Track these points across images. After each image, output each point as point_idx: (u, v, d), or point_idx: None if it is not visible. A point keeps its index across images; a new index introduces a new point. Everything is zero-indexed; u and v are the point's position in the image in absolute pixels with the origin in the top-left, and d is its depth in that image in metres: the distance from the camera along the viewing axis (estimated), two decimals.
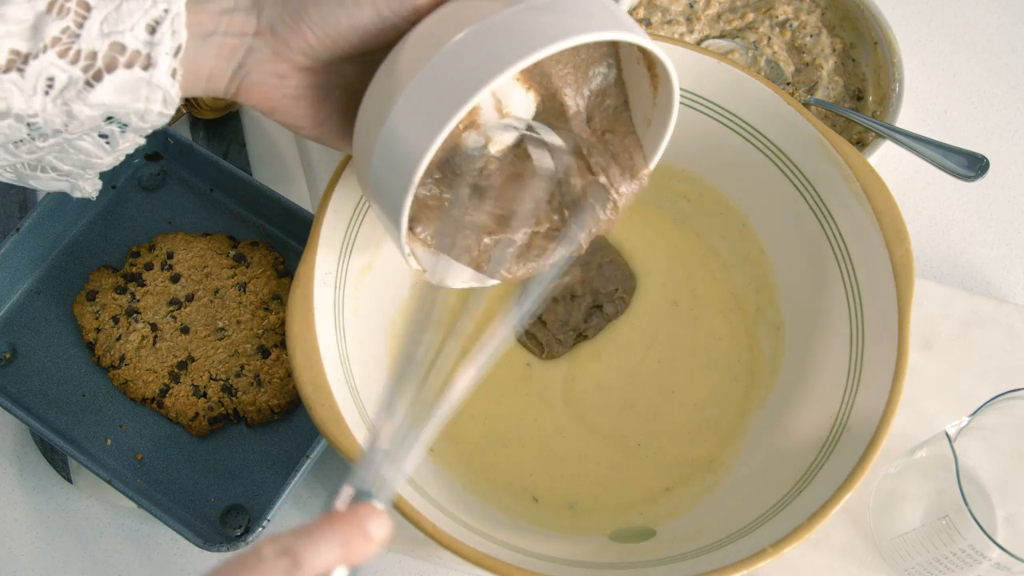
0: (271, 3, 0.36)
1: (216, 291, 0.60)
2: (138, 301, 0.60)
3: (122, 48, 0.33)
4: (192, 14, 0.35)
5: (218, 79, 0.37)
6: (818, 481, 0.44)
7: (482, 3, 0.36)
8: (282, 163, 0.69)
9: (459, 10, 0.36)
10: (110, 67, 0.33)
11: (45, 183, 0.38)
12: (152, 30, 0.34)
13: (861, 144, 0.65)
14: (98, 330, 0.60)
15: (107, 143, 0.36)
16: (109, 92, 0.34)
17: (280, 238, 0.63)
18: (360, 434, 0.44)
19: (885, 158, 0.67)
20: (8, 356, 0.60)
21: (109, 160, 0.38)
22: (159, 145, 0.65)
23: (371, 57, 0.38)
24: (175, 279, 0.61)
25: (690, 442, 0.55)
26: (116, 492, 0.56)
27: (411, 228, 0.42)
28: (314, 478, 0.59)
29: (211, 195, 0.65)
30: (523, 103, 0.42)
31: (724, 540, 0.45)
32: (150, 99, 0.35)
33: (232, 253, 0.62)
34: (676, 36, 0.69)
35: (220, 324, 0.60)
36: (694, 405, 0.56)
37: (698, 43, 0.70)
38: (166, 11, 0.34)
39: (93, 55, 0.33)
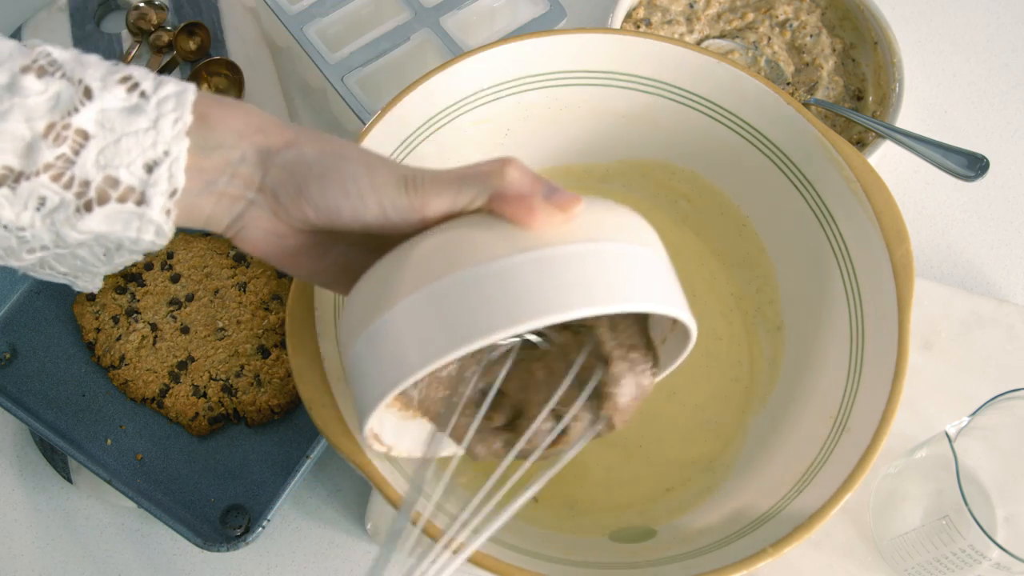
0: (277, 168, 0.35)
1: (216, 291, 0.60)
2: (138, 301, 0.60)
3: (116, 182, 0.32)
4: (196, 159, 0.34)
5: (216, 223, 0.36)
6: (818, 481, 0.44)
7: (498, 239, 0.33)
8: None
9: (476, 235, 0.33)
10: (102, 199, 0.32)
11: (45, 277, 0.37)
12: (149, 169, 0.32)
13: (861, 144, 0.65)
14: (98, 330, 0.60)
15: (104, 255, 0.35)
16: (99, 221, 0.32)
17: None
18: (360, 434, 0.44)
19: (885, 158, 0.67)
20: (8, 356, 0.60)
21: (106, 270, 0.36)
22: None
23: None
24: (175, 279, 0.61)
25: (690, 443, 0.55)
26: (116, 492, 0.56)
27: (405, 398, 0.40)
28: (314, 478, 0.59)
29: None
30: None
31: (724, 540, 0.45)
32: (142, 230, 0.33)
33: (232, 253, 0.62)
34: (676, 36, 0.69)
35: (220, 324, 0.60)
36: (694, 405, 0.56)
37: (698, 43, 0.70)
38: (166, 153, 0.32)
39: (86, 184, 0.32)
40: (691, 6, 0.71)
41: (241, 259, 0.62)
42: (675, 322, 0.38)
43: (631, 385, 0.39)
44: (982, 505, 0.55)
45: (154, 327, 0.60)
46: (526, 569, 0.41)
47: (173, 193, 0.33)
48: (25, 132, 0.31)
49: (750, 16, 0.70)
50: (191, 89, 0.33)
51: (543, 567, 0.43)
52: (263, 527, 0.53)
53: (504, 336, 0.31)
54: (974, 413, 0.48)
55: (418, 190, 0.34)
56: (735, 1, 0.71)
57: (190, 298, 0.60)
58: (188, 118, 0.33)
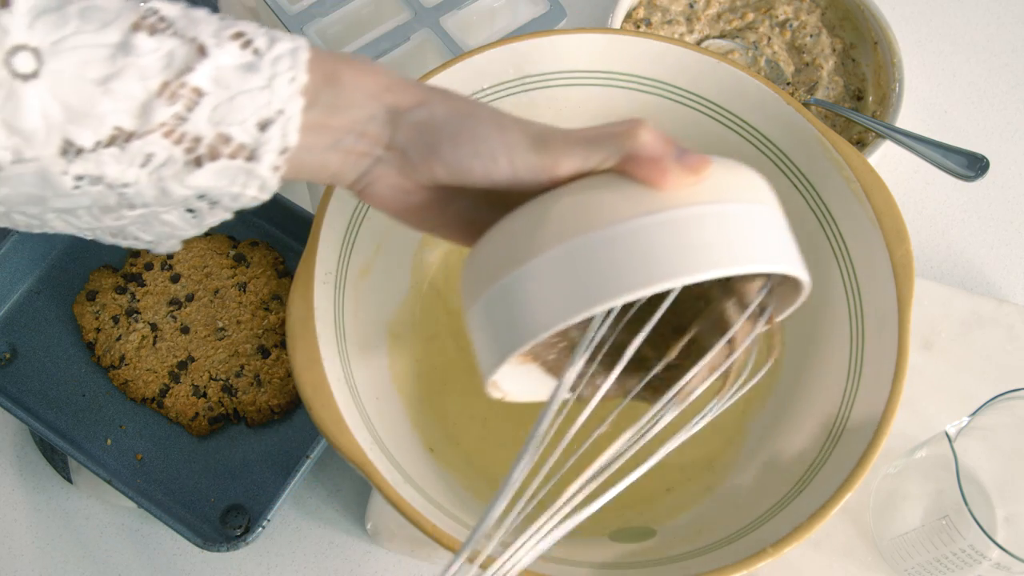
0: (407, 127, 0.35)
1: (216, 291, 0.60)
2: (138, 301, 0.60)
3: (228, 139, 0.32)
4: (325, 118, 0.34)
5: (342, 179, 0.36)
6: (818, 481, 0.44)
7: (629, 200, 0.33)
8: None
9: (608, 197, 0.34)
10: (213, 155, 0.32)
11: (123, 243, 0.37)
12: (263, 127, 0.32)
13: (861, 144, 0.65)
14: (98, 330, 0.60)
15: (193, 217, 0.35)
16: (208, 176, 0.32)
17: (280, 238, 0.63)
18: (360, 434, 0.44)
19: (885, 158, 0.67)
20: (8, 356, 0.60)
21: (193, 232, 0.36)
22: None
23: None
24: (175, 279, 0.61)
25: (691, 443, 0.55)
26: (116, 492, 0.56)
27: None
28: (314, 478, 0.59)
29: None
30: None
31: (724, 540, 0.45)
32: (247, 185, 0.33)
33: (232, 253, 0.62)
34: (676, 36, 0.69)
35: (220, 324, 0.60)
36: (694, 406, 0.56)
37: (698, 43, 0.70)
38: (280, 112, 0.32)
39: (198, 140, 0.31)
40: (691, 6, 0.71)
41: (241, 259, 0.62)
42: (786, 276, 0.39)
43: (747, 337, 0.41)
44: (982, 505, 0.55)
45: (154, 327, 0.60)
46: (527, 569, 0.41)
47: (284, 151, 0.33)
48: (139, 92, 0.30)
49: (750, 16, 0.70)
50: (304, 47, 0.33)
51: (543, 567, 0.43)
52: (263, 527, 0.53)
53: (635, 297, 0.32)
54: (974, 413, 0.48)
55: (549, 151, 0.35)
56: (735, 1, 0.71)
57: (190, 298, 0.60)
58: (303, 77, 0.32)
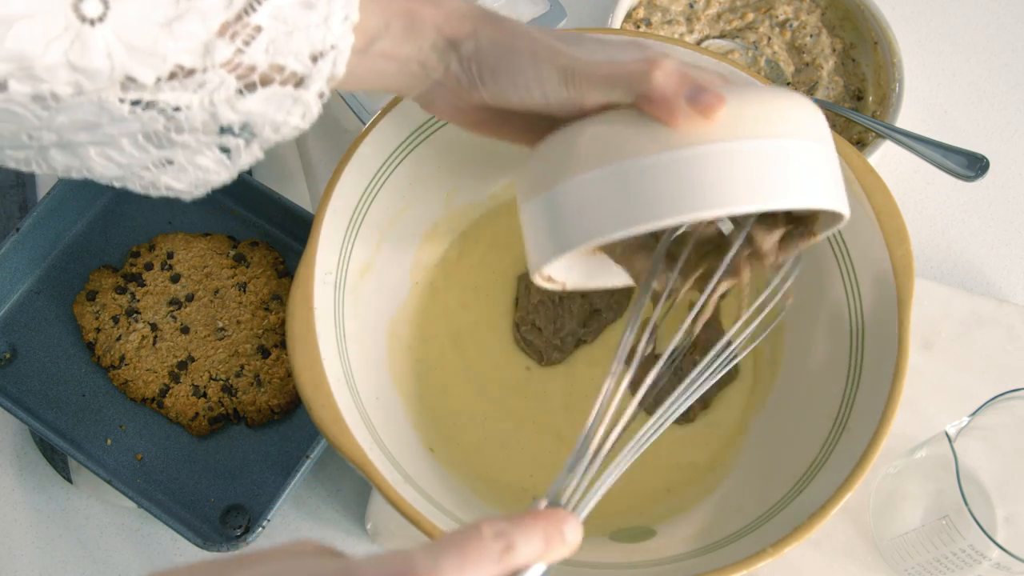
0: (458, 59, 0.38)
1: (216, 291, 0.60)
2: (138, 301, 0.60)
3: (282, 69, 0.34)
4: (395, 48, 0.37)
5: (407, 93, 0.41)
6: (818, 481, 0.44)
7: (647, 136, 0.36)
8: (282, 163, 0.69)
9: (624, 132, 0.37)
10: (265, 82, 0.34)
11: (154, 193, 0.39)
12: (315, 59, 0.34)
13: (861, 144, 0.65)
14: (98, 330, 0.60)
15: (228, 158, 0.37)
16: (257, 102, 0.34)
17: (280, 238, 0.63)
18: (360, 434, 0.44)
19: (885, 158, 0.67)
20: (8, 356, 0.60)
21: (225, 176, 0.38)
22: None
23: None
24: (175, 279, 0.61)
25: (691, 444, 0.55)
26: (116, 492, 0.56)
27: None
28: (314, 478, 0.59)
29: (211, 195, 0.64)
30: None
31: (724, 540, 0.45)
32: (291, 112, 0.36)
33: (232, 253, 0.62)
34: (676, 36, 0.69)
35: (220, 324, 0.60)
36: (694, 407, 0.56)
37: (698, 43, 0.70)
38: (333, 47, 0.34)
39: (252, 68, 0.33)
40: (691, 6, 0.71)
41: (241, 259, 0.62)
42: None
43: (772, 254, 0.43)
44: (982, 505, 0.55)
45: (154, 327, 0.60)
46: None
47: (332, 79, 0.36)
48: (201, 32, 0.32)
49: (750, 16, 0.70)
50: None
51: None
52: (263, 527, 0.53)
53: (645, 230, 0.36)
54: (974, 413, 0.48)
55: (576, 85, 0.37)
56: (735, 1, 0.71)
57: (190, 298, 0.60)
58: (355, 16, 0.35)
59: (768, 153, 0.36)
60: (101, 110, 0.32)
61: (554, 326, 0.57)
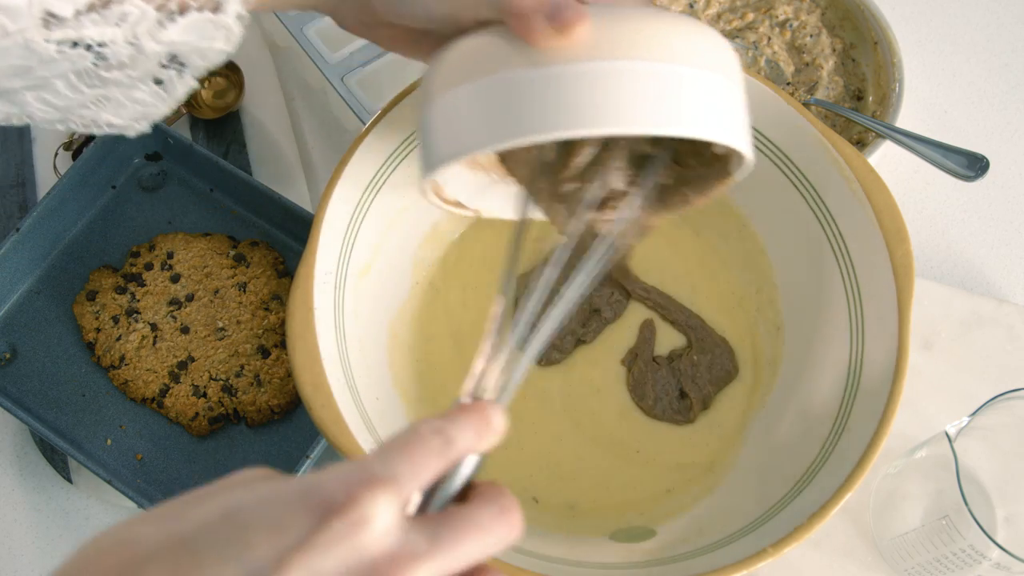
0: None
1: (216, 291, 0.60)
2: (138, 301, 0.60)
3: None
4: None
5: (320, 7, 0.42)
6: (818, 481, 0.44)
7: (511, 52, 0.36)
8: (282, 163, 0.69)
9: (491, 47, 0.37)
10: (182, 9, 0.35)
11: (97, 131, 0.40)
12: None
13: (861, 144, 0.65)
14: (98, 330, 0.60)
15: (163, 89, 0.38)
16: (179, 31, 0.35)
17: (280, 238, 0.63)
18: (360, 434, 0.44)
19: (885, 158, 0.67)
20: (8, 356, 0.60)
21: (164, 108, 0.39)
22: (159, 145, 0.65)
23: None
24: (175, 279, 0.61)
25: (690, 445, 0.55)
26: (116, 492, 0.56)
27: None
28: None
29: (211, 195, 0.65)
30: None
31: (724, 540, 0.45)
32: (214, 37, 0.37)
33: (232, 253, 0.62)
34: None
35: (220, 324, 0.60)
36: None
37: None
38: None
39: None
40: (691, 6, 0.71)
41: (241, 259, 0.62)
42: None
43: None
44: (982, 505, 0.55)
45: (154, 327, 0.60)
46: (527, 569, 0.41)
47: (246, 0, 0.37)
48: None
49: (750, 16, 0.70)
50: None
51: (544, 567, 0.43)
52: None
53: (506, 146, 0.35)
54: (974, 413, 0.48)
55: (450, 3, 0.38)
56: (735, 1, 0.71)
57: (190, 298, 0.60)
58: None
59: (640, 75, 0.34)
60: (29, 52, 0.33)
61: None
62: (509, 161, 0.45)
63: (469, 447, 0.30)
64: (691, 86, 0.35)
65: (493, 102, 0.35)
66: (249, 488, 0.28)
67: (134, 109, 0.39)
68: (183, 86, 0.38)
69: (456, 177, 0.46)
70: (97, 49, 0.34)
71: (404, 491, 0.28)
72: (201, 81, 0.69)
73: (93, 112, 0.38)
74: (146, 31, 0.35)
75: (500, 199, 0.48)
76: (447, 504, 0.30)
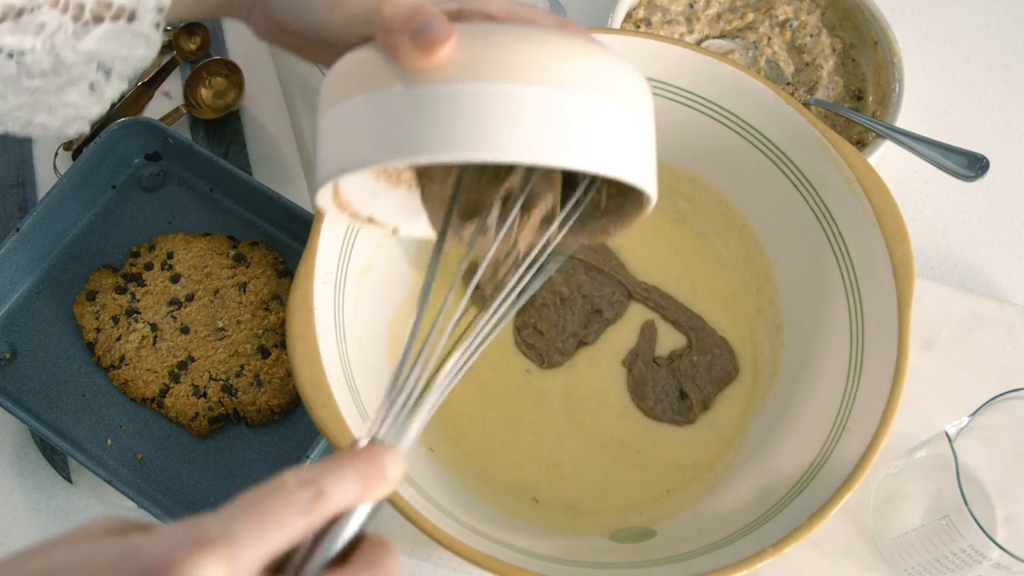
0: None
1: (216, 291, 0.60)
2: (138, 301, 0.60)
3: (109, 4, 0.36)
4: None
5: (233, 13, 0.43)
6: (818, 481, 0.44)
7: (387, 69, 0.34)
8: (282, 163, 0.69)
9: (369, 64, 0.35)
10: (97, 19, 0.36)
11: (35, 133, 0.40)
12: None
13: (861, 144, 0.65)
14: (98, 330, 0.60)
15: (93, 92, 0.39)
16: (96, 40, 0.36)
17: (280, 238, 0.63)
18: (360, 434, 0.44)
19: (885, 158, 0.67)
20: (8, 356, 0.60)
21: (97, 110, 0.40)
22: (159, 145, 0.65)
23: None
24: (175, 279, 0.61)
25: (691, 446, 0.55)
26: (116, 492, 0.56)
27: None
28: None
29: (211, 195, 0.65)
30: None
31: (724, 540, 0.45)
32: (133, 45, 0.37)
33: (232, 253, 0.62)
34: (676, 36, 0.69)
35: (220, 324, 0.60)
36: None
37: (698, 43, 0.70)
38: None
39: (81, 7, 0.35)
40: (691, 6, 0.71)
41: (241, 259, 0.62)
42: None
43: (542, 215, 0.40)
44: (982, 505, 0.55)
45: (154, 327, 0.60)
46: (527, 569, 0.41)
47: (161, 9, 0.37)
48: None
49: (750, 16, 0.70)
50: None
51: (544, 567, 0.43)
52: None
53: (377, 167, 0.33)
54: (974, 413, 0.48)
55: (338, 13, 0.38)
56: (735, 1, 0.71)
57: (190, 298, 0.60)
58: None
59: (509, 98, 0.32)
60: None
61: (556, 328, 0.57)
62: (423, 176, 0.43)
63: (351, 499, 0.27)
64: (572, 112, 0.32)
65: (364, 121, 0.34)
66: (79, 547, 0.26)
67: (66, 112, 0.39)
68: (113, 89, 0.39)
69: (386, 193, 0.43)
70: (18, 58, 0.35)
71: (245, 555, 0.25)
72: (199, 83, 0.69)
73: (27, 115, 0.39)
74: (64, 41, 0.36)
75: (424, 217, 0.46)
76: (327, 565, 0.27)
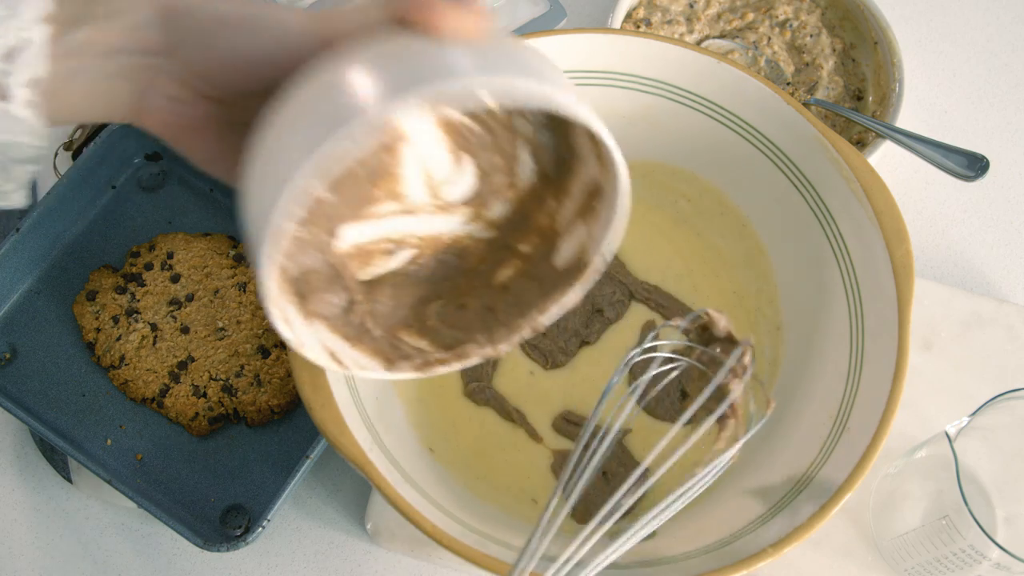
0: (185, 24, 0.33)
1: (216, 291, 0.60)
2: (138, 301, 0.60)
3: None
4: (97, 32, 0.32)
5: (119, 102, 0.34)
6: (818, 481, 0.44)
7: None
8: None
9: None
10: None
11: None
12: (8, 57, 0.31)
13: (861, 144, 0.65)
14: (98, 330, 0.60)
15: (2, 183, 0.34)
16: None
17: None
18: (360, 434, 0.44)
19: (885, 158, 0.67)
20: (8, 356, 0.60)
21: (10, 187, 0.35)
22: (159, 145, 0.65)
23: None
24: (175, 279, 0.61)
25: (691, 445, 0.55)
26: (116, 492, 0.56)
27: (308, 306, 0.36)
28: (314, 478, 0.59)
29: (211, 195, 0.65)
30: (455, 175, 0.35)
31: (724, 540, 0.45)
32: (13, 131, 0.32)
33: (232, 253, 0.62)
34: (676, 36, 0.69)
35: (220, 324, 0.60)
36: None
37: (698, 43, 0.70)
38: (27, 40, 0.31)
39: None
40: (691, 6, 0.71)
41: (241, 259, 0.61)
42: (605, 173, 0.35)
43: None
44: (982, 505, 0.55)
45: (154, 327, 0.60)
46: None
47: (35, 83, 0.31)
48: None
49: (750, 16, 0.70)
50: None
51: (544, 567, 0.43)
52: (263, 527, 0.53)
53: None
54: (974, 413, 0.48)
55: (322, 26, 0.32)
56: (735, 1, 0.71)
57: (190, 298, 0.60)
58: (49, 6, 0.31)
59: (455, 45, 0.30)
60: None
61: (558, 327, 0.57)
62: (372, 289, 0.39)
63: None
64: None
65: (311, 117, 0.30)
66: None
67: None
68: (17, 174, 0.34)
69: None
70: None
71: None
72: None
73: None
74: None
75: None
76: None
